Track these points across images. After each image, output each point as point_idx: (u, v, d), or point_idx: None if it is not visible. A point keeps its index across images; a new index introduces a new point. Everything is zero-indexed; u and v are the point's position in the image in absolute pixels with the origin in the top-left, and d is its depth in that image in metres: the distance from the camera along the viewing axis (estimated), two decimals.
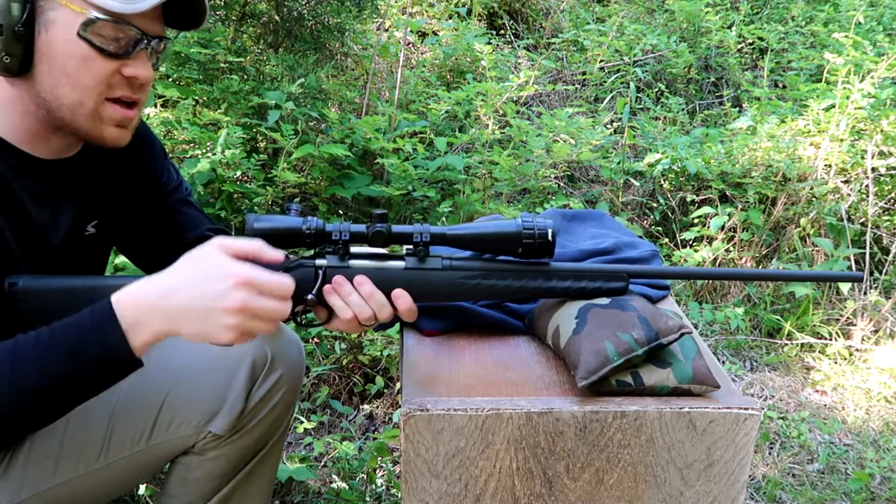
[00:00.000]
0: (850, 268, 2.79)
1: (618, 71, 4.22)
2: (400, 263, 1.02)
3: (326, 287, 1.01)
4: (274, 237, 0.97)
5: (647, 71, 4.31)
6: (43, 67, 0.97)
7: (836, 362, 2.57)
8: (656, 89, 4.33)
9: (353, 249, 1.02)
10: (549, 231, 1.01)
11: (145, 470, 1.22)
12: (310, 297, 0.99)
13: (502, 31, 4.94)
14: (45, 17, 0.95)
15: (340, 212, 2.95)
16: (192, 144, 2.62)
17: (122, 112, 1.02)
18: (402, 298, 1.02)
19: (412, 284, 1.02)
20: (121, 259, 1.93)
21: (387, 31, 4.05)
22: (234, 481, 1.27)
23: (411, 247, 1.03)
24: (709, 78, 4.55)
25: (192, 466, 1.23)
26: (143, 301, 0.90)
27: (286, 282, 0.92)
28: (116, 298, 0.91)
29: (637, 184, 3.43)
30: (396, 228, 1.01)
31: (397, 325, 1.22)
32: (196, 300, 0.89)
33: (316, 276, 1.00)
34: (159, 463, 1.23)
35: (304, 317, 1.05)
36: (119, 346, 0.90)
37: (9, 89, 1.00)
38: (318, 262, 1.01)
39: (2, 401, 0.88)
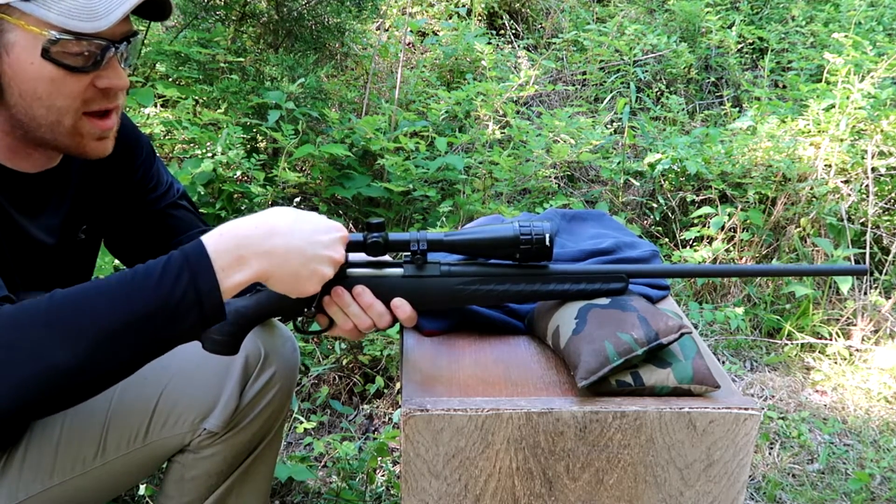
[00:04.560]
0: None
1: (618, 71, 4.23)
2: (398, 271, 1.02)
3: (326, 298, 1.01)
4: None
5: (647, 71, 4.31)
6: (13, 91, 0.94)
7: (836, 362, 2.57)
8: (656, 89, 4.33)
9: (351, 257, 1.02)
10: (547, 235, 1.01)
11: (142, 470, 1.22)
12: (310, 310, 1.00)
13: (502, 31, 4.94)
14: (2, 41, 0.90)
15: (341, 212, 2.95)
16: (192, 144, 2.62)
17: (101, 125, 1.00)
18: (402, 308, 1.02)
19: (411, 292, 1.02)
20: (118, 262, 1.93)
21: (387, 31, 4.05)
22: (230, 480, 1.27)
23: (409, 254, 1.03)
24: (709, 78, 4.55)
25: (188, 465, 1.23)
26: (243, 239, 0.87)
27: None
28: (211, 238, 0.86)
29: (637, 184, 3.43)
30: (393, 237, 1.01)
31: (397, 325, 1.22)
32: (305, 245, 0.90)
33: None
34: (155, 462, 1.23)
35: (304, 325, 1.06)
36: (210, 290, 0.84)
37: None
38: None
39: (77, 344, 0.80)
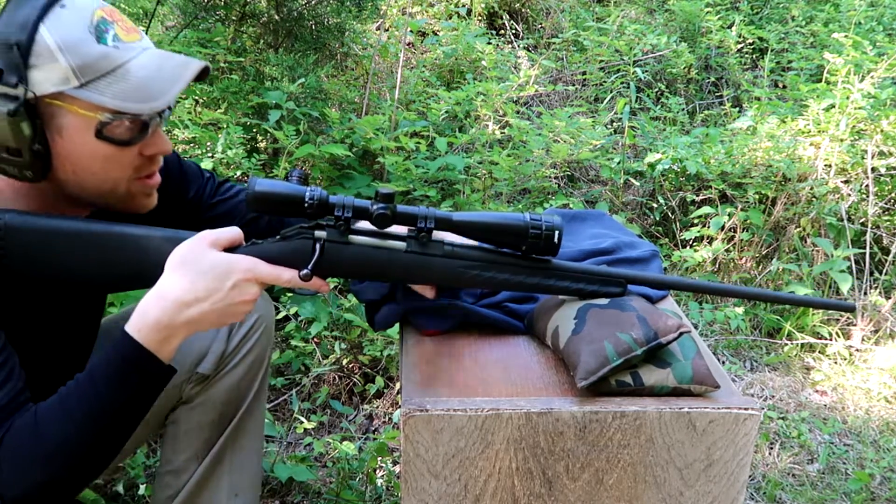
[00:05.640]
0: (850, 268, 2.79)
1: (618, 71, 4.22)
2: (401, 244, 1.00)
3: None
4: (275, 203, 0.96)
5: (647, 71, 4.31)
6: (65, 168, 0.97)
7: (836, 362, 2.57)
8: (656, 89, 4.33)
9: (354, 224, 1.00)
10: (556, 231, 1.00)
11: (143, 429, 1.29)
12: (305, 271, 0.97)
13: (502, 31, 4.95)
14: (54, 123, 0.94)
15: None
16: (192, 144, 2.62)
17: (150, 183, 1.04)
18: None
19: (411, 268, 1.01)
20: None
21: (387, 31, 4.05)
22: (224, 437, 1.35)
23: (414, 229, 1.01)
24: (709, 78, 4.55)
25: (181, 420, 1.33)
26: (161, 322, 0.93)
27: (286, 276, 0.98)
28: (135, 329, 0.93)
29: (637, 184, 3.43)
30: (401, 209, 0.99)
31: (397, 326, 1.22)
32: (213, 305, 0.94)
33: (314, 248, 0.98)
34: (155, 420, 1.33)
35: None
36: (156, 369, 0.95)
37: (24, 184, 0.99)
38: (318, 233, 0.99)
39: (71, 446, 0.92)
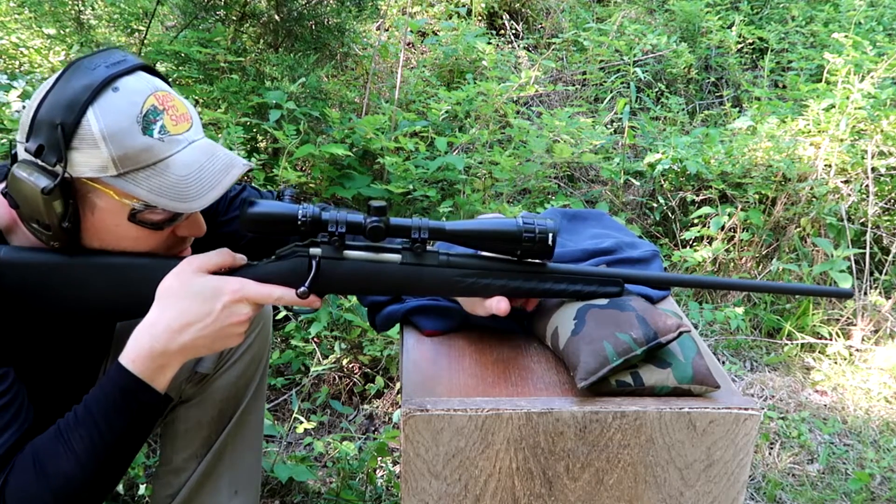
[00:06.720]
0: (850, 268, 2.79)
1: (618, 71, 4.22)
2: (396, 257, 1.01)
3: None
4: (269, 224, 0.96)
5: (647, 71, 4.31)
6: (93, 240, 0.98)
7: (836, 362, 2.57)
8: (656, 89, 4.33)
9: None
10: (550, 235, 1.00)
11: None
12: (302, 289, 0.97)
13: (502, 31, 4.95)
14: (88, 200, 0.94)
15: None
16: None
17: (180, 255, 1.04)
18: (500, 306, 1.03)
19: (407, 280, 1.01)
20: None
21: (387, 31, 4.05)
22: (223, 435, 1.35)
23: (408, 240, 1.01)
24: (709, 78, 4.55)
25: (181, 418, 1.33)
26: (155, 351, 0.93)
27: (276, 294, 0.97)
28: (129, 360, 0.93)
29: (637, 184, 3.43)
30: (394, 222, 0.99)
31: (397, 326, 1.22)
32: (204, 329, 0.93)
33: (309, 266, 0.98)
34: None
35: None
36: (153, 400, 0.96)
37: None
38: (313, 251, 0.99)
39: (75, 481, 0.92)
